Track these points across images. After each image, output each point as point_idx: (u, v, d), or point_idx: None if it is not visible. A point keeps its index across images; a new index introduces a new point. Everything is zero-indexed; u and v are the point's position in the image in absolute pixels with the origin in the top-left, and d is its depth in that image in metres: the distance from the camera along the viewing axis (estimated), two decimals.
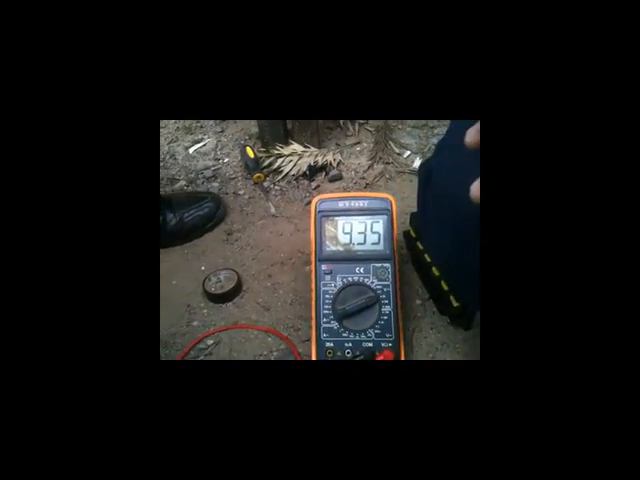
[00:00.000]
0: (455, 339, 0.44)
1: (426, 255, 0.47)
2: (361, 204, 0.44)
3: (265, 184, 0.66)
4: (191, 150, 0.77)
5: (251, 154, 0.68)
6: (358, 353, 0.40)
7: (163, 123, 0.85)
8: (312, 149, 0.68)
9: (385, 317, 0.41)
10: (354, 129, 0.74)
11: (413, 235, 0.49)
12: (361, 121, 0.75)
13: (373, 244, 0.43)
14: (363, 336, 0.40)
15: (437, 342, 0.43)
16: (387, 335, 0.40)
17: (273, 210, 0.63)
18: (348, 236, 0.44)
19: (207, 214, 0.58)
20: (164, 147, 0.78)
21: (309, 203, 0.62)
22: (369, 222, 0.44)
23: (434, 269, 0.45)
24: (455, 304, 0.41)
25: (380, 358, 0.39)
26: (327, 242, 0.44)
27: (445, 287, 0.43)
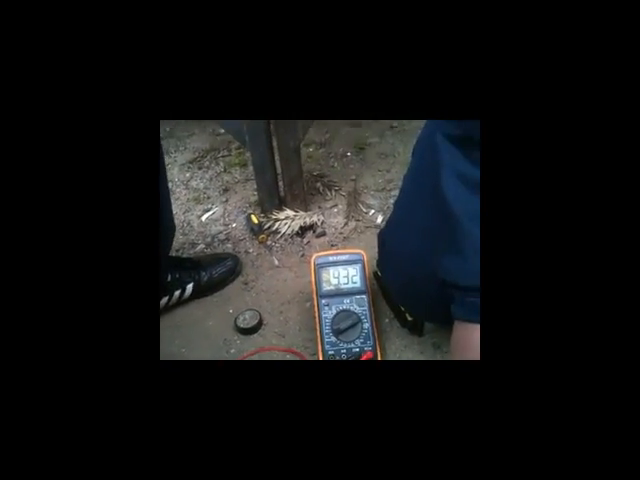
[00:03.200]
0: (412, 343, 0.69)
1: (389, 292, 0.73)
2: (344, 258, 0.71)
3: (268, 243, 0.92)
4: (203, 218, 1.02)
5: (255, 220, 0.95)
6: (350, 356, 0.64)
7: (175, 195, 1.10)
8: (301, 213, 0.96)
9: (365, 331, 0.66)
10: (331, 194, 1.02)
11: (379, 274, 0.76)
12: (336, 187, 1.03)
13: (353, 283, 0.70)
14: (352, 344, 0.65)
15: (401, 345, 0.69)
16: (368, 342, 0.65)
17: (276, 262, 0.88)
18: (337, 279, 0.70)
19: (230, 269, 0.83)
20: (180, 216, 1.03)
21: (303, 255, 0.88)
22: (350, 269, 0.70)
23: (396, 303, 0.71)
24: (409, 318, 0.67)
25: (364, 358, 0.64)
26: (324, 284, 0.70)
27: (402, 308, 0.69)
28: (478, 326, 0.44)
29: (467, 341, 0.48)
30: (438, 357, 0.65)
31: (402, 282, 0.63)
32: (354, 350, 0.65)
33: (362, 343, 0.65)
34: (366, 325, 0.67)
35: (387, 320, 0.72)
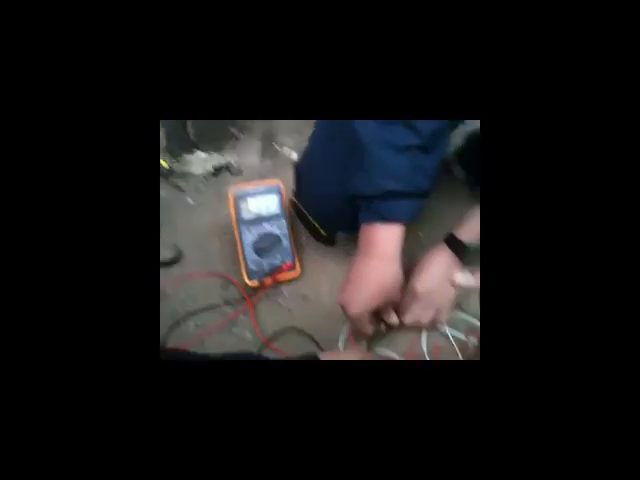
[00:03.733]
0: (326, 252, 0.78)
1: (305, 212, 0.81)
2: (262, 189, 0.77)
3: (180, 184, 0.94)
4: None
5: (164, 164, 0.95)
6: (271, 268, 0.72)
7: None
8: (214, 154, 0.98)
9: (285, 247, 0.74)
10: (245, 135, 1.05)
11: (295, 201, 0.83)
12: (250, 128, 1.06)
13: (272, 210, 0.76)
14: (273, 259, 0.73)
15: (317, 255, 0.78)
16: (287, 256, 0.74)
17: (192, 202, 0.90)
18: (256, 207, 0.76)
19: None
20: None
21: (219, 194, 0.92)
22: (268, 198, 0.76)
23: (310, 218, 0.79)
24: (324, 233, 0.76)
25: (284, 268, 0.71)
26: (243, 212, 0.75)
27: (317, 226, 0.78)
28: (379, 225, 0.56)
29: (370, 239, 0.58)
30: (348, 262, 0.75)
31: (318, 203, 0.71)
32: (274, 263, 0.72)
33: (282, 257, 0.73)
34: (285, 243, 0.75)
35: (304, 238, 0.80)
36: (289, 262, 0.73)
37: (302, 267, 0.74)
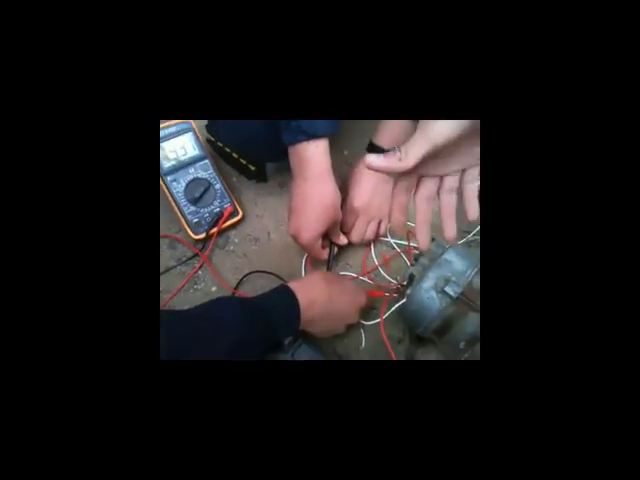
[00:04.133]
0: (261, 189, 0.77)
1: (226, 149, 0.77)
2: (172, 130, 0.69)
3: None
4: None
5: None
6: (213, 217, 0.70)
7: None
8: None
9: (219, 191, 0.71)
10: None
11: (213, 139, 0.78)
12: None
13: (192, 152, 0.71)
14: (212, 206, 0.70)
15: (253, 194, 0.76)
16: (225, 200, 0.71)
17: None
18: (174, 153, 0.70)
19: None
20: None
21: None
22: (183, 139, 0.70)
23: (234, 154, 0.76)
24: (252, 168, 0.74)
25: (226, 214, 0.70)
26: (163, 161, 0.69)
27: (244, 162, 0.75)
28: (305, 144, 0.56)
29: (300, 159, 0.58)
30: (285, 195, 0.76)
31: (238, 137, 0.67)
32: (215, 211, 0.70)
33: (220, 203, 0.71)
34: (217, 186, 0.71)
35: (234, 178, 0.77)
36: (229, 206, 0.71)
37: (243, 209, 0.73)
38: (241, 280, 0.67)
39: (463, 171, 0.36)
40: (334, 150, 0.59)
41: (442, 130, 0.31)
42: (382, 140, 0.65)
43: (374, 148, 0.66)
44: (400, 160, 0.32)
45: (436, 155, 0.33)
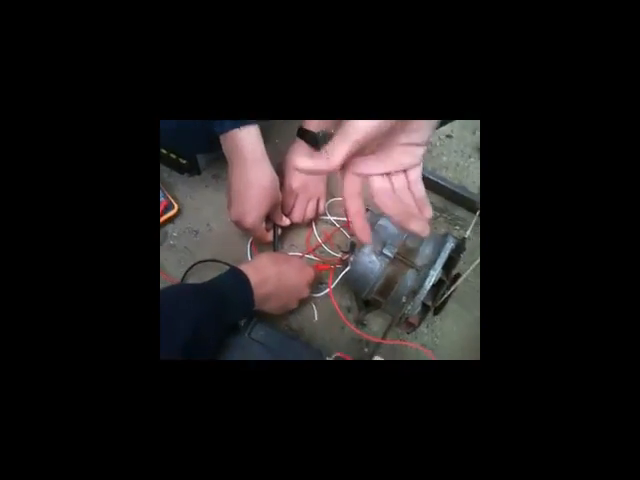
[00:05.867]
0: (195, 182, 0.77)
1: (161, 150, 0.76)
2: None
3: None
4: None
5: None
6: None
7: None
8: None
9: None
10: None
11: None
12: None
13: None
14: None
15: (188, 189, 0.77)
16: (160, 195, 0.71)
17: None
18: None
19: None
20: None
21: None
22: None
23: (163, 150, 0.76)
24: (184, 162, 0.75)
25: (162, 207, 0.70)
26: None
27: (174, 157, 0.76)
28: (236, 130, 0.57)
29: (233, 146, 0.60)
30: (221, 186, 0.77)
31: (165, 131, 0.67)
32: None
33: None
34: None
35: (165, 174, 0.77)
36: (163, 200, 0.71)
37: (179, 203, 0.73)
38: (187, 272, 0.67)
39: (405, 172, 0.38)
40: (266, 140, 0.61)
41: (360, 127, 0.32)
42: (310, 125, 0.69)
43: (304, 133, 0.70)
44: (327, 159, 0.33)
45: (363, 152, 0.34)
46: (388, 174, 0.38)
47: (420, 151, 0.37)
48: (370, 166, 0.37)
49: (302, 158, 0.33)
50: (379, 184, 0.38)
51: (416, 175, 0.38)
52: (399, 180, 0.39)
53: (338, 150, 0.33)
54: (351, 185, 0.37)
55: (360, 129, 0.33)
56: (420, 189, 0.38)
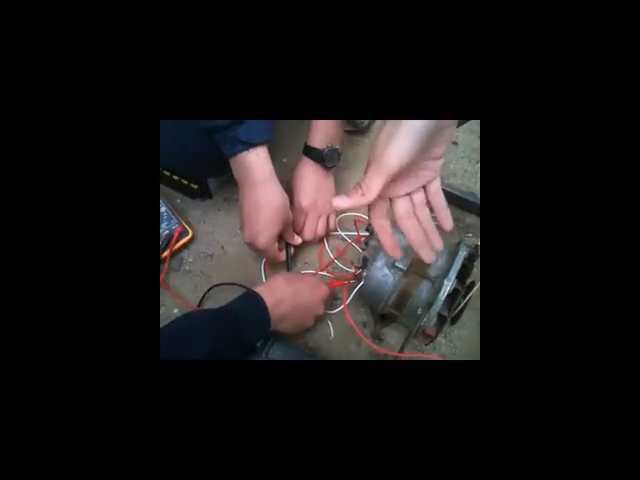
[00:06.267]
0: (208, 206, 0.80)
1: (165, 172, 0.79)
2: None
3: None
4: None
5: None
6: (165, 239, 0.71)
7: None
8: None
9: (165, 215, 0.73)
10: None
11: None
12: None
13: None
14: (160, 230, 0.72)
15: (201, 213, 0.79)
16: (172, 222, 0.73)
17: None
18: None
19: None
20: None
21: None
22: None
23: (174, 177, 0.78)
24: (195, 187, 0.77)
25: (176, 234, 0.72)
26: None
27: (186, 182, 0.78)
28: (245, 153, 0.59)
29: (243, 168, 0.61)
30: (232, 208, 0.79)
31: (176, 158, 0.70)
32: (164, 233, 0.72)
33: (167, 225, 0.73)
34: (163, 209, 0.74)
35: (178, 200, 0.80)
36: (178, 227, 0.73)
37: (192, 228, 0.75)
38: (203, 297, 0.69)
39: (424, 186, 0.39)
40: (274, 159, 0.63)
41: (394, 160, 0.33)
42: (315, 142, 0.71)
43: (310, 150, 0.71)
44: (363, 195, 0.34)
45: (395, 180, 0.35)
46: (409, 193, 0.39)
47: (439, 163, 0.38)
48: (395, 189, 0.37)
49: (339, 198, 0.34)
50: (402, 206, 0.39)
51: (436, 187, 0.39)
52: (419, 196, 0.39)
53: (374, 185, 0.34)
54: (378, 209, 0.38)
55: (394, 162, 0.33)
56: (440, 200, 0.39)
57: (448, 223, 0.39)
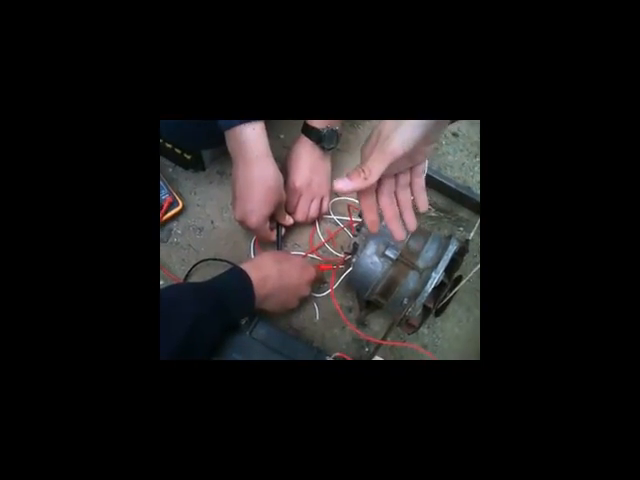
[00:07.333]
0: (200, 178, 0.79)
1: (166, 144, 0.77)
2: None
3: None
4: None
5: None
6: None
7: None
8: None
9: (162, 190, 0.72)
10: None
11: None
12: None
13: None
14: None
15: (193, 185, 0.78)
16: (163, 192, 0.72)
17: None
18: None
19: None
20: None
21: None
22: None
23: (167, 144, 0.77)
24: (188, 157, 0.76)
25: (166, 205, 0.71)
26: None
27: (179, 151, 0.77)
28: (241, 126, 0.58)
29: (238, 143, 0.60)
30: (225, 183, 0.78)
31: (170, 126, 0.69)
32: None
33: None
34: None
35: (170, 169, 0.78)
36: (168, 197, 0.72)
37: (183, 200, 0.74)
38: (190, 271, 0.69)
39: (411, 168, 0.40)
40: (271, 135, 0.62)
41: (400, 145, 0.34)
42: (315, 121, 0.70)
43: (309, 129, 0.70)
44: (366, 179, 0.35)
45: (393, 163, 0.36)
46: (397, 174, 0.40)
47: (432, 148, 0.39)
48: (388, 169, 0.38)
49: (341, 181, 0.35)
50: (386, 185, 0.40)
51: (421, 170, 0.41)
52: (404, 177, 0.41)
53: (376, 168, 0.35)
54: (369, 188, 0.38)
55: (397, 147, 0.34)
56: (421, 181, 0.41)
57: (423, 204, 0.41)
